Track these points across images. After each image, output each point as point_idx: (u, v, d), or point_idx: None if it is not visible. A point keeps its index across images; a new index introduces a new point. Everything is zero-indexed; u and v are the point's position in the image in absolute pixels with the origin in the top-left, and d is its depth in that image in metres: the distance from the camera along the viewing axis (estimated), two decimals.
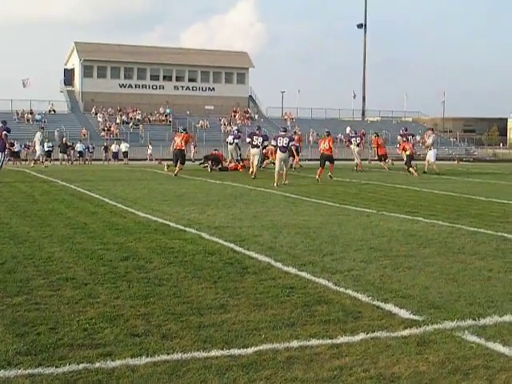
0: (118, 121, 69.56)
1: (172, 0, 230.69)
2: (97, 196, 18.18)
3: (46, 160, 43.44)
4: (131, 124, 68.80)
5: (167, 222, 12.82)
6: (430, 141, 33.85)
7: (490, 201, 17.97)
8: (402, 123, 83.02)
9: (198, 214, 14.15)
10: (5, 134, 24.19)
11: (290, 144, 24.55)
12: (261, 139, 29.59)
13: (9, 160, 36.70)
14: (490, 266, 8.84)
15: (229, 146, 34.58)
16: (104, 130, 66.46)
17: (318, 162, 27.76)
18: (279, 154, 24.38)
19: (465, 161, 59.34)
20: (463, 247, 10.33)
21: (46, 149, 47.02)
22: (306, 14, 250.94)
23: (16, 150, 48.44)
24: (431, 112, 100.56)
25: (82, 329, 5.94)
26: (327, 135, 29.04)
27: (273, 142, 25.68)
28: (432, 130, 35.51)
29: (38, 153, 43.55)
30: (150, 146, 55.42)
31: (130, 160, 48.04)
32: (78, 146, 49.81)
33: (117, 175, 29.17)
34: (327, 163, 27.38)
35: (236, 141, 34.26)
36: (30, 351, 5.36)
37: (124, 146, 50.94)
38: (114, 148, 51.50)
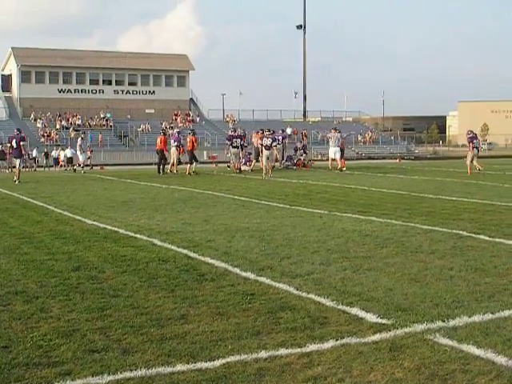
0: (57, 126, 68.47)
1: (109, 4, 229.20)
2: (41, 204, 17.67)
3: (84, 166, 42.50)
4: (71, 129, 67.71)
5: (116, 229, 12.46)
6: (330, 140, 36.26)
7: (440, 198, 17.95)
8: (343, 123, 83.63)
9: (148, 220, 13.81)
10: (22, 145, 28.63)
11: (273, 144, 30.80)
12: (239, 140, 33.73)
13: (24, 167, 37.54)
14: (450, 265, 8.72)
15: (232, 149, 33.68)
16: (44, 136, 65.36)
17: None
18: (264, 152, 29.63)
19: (406, 159, 59.84)
20: (420, 246, 10.22)
21: None
22: (245, 15, 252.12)
23: (68, 155, 47.89)
24: (372, 111, 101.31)
25: (36, 346, 5.60)
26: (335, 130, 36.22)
27: (259, 141, 32.49)
28: (335, 129, 36.68)
29: (80, 159, 42.13)
30: (61, 151, 51.60)
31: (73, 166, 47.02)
32: (34, 152, 48.87)
33: (60, 182, 28.54)
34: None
35: (241, 143, 34.20)
36: None
37: (69, 152, 49.72)
38: (54, 154, 50.54)
